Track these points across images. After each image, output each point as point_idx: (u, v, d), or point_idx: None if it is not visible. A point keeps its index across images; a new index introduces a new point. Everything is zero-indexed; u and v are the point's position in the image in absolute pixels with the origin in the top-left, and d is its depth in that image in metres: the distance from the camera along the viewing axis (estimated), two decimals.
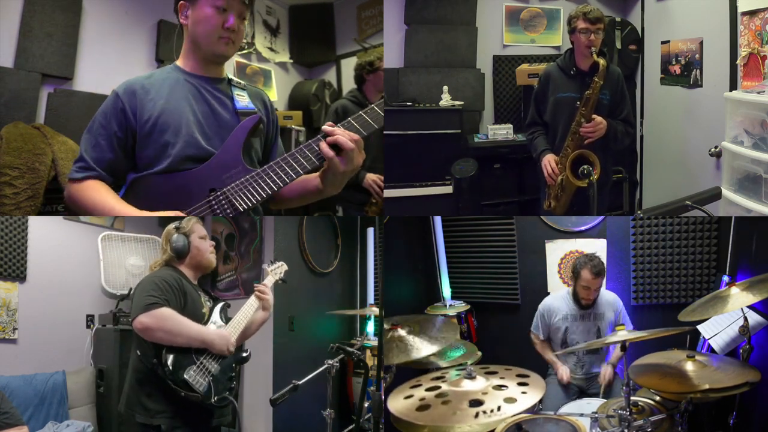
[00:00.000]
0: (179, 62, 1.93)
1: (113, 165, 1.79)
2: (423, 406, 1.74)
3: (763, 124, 2.59)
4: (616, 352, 2.85)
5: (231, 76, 1.98)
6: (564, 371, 2.86)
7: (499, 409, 1.68)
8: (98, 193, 1.75)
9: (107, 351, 3.22)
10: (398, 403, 1.79)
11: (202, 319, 2.13)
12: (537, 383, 1.86)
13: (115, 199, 1.75)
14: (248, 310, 2.28)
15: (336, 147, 1.71)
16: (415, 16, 4.00)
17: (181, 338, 1.96)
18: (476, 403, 1.72)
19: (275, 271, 2.53)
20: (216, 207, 1.73)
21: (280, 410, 3.16)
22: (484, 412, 1.66)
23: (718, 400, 2.13)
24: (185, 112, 1.80)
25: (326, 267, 3.84)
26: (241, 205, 1.72)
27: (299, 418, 3.19)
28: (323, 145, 1.72)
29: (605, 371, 2.81)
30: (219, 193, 1.74)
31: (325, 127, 1.74)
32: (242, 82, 2.00)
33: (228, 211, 1.73)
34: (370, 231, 4.00)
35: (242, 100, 1.92)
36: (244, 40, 4.73)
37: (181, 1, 1.86)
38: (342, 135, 1.69)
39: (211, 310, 2.20)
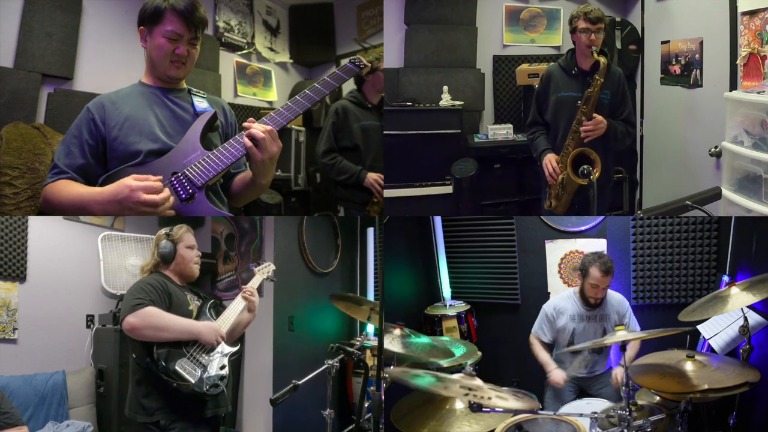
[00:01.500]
0: (143, 79, 2.13)
1: (85, 169, 1.94)
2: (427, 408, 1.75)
3: (763, 124, 2.59)
4: (628, 355, 2.78)
5: (190, 87, 2.18)
6: (558, 374, 2.79)
7: (489, 399, 1.71)
8: (67, 187, 1.89)
9: (107, 351, 3.22)
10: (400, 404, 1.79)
11: (190, 317, 2.21)
12: (529, 402, 1.89)
13: (82, 187, 1.89)
14: (236, 306, 2.34)
15: (254, 138, 1.88)
16: (415, 16, 4.00)
17: (168, 333, 2.06)
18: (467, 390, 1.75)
19: (262, 271, 2.57)
20: (176, 184, 1.87)
21: (280, 410, 3.17)
22: (475, 395, 1.74)
23: (718, 400, 2.13)
24: (148, 115, 2.00)
25: (326, 267, 3.84)
26: (197, 178, 1.86)
27: (299, 418, 3.19)
28: (245, 139, 1.89)
29: (617, 373, 2.72)
30: (179, 173, 1.89)
31: (246, 123, 1.91)
32: (201, 91, 2.20)
33: (187, 187, 1.86)
34: (370, 231, 4.00)
35: (201, 104, 2.11)
36: (244, 40, 4.73)
37: (141, 27, 2.06)
38: (256, 128, 1.88)
39: (200, 308, 2.28)
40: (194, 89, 2.18)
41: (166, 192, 1.77)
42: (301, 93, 2.03)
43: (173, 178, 1.88)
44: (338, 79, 2.11)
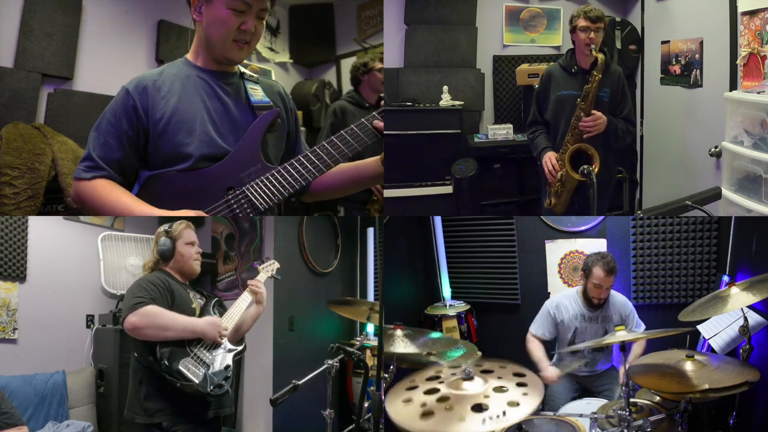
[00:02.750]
0: (190, 56, 1.85)
1: (123, 164, 1.74)
2: (426, 413, 1.71)
3: (763, 124, 2.59)
4: (634, 351, 2.77)
5: (243, 70, 1.91)
6: (551, 371, 2.75)
7: (504, 414, 1.66)
8: (111, 191, 1.70)
9: (107, 351, 3.22)
10: (398, 410, 1.74)
11: (193, 315, 2.16)
12: (535, 383, 1.85)
13: (131, 197, 1.71)
14: (242, 303, 2.31)
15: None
16: (415, 16, 4.00)
17: (170, 332, 1.99)
18: (479, 407, 1.71)
19: (267, 269, 2.55)
20: (235, 206, 1.69)
21: (280, 410, 3.16)
22: (491, 417, 1.62)
23: (718, 400, 2.13)
24: (199, 109, 1.75)
25: (326, 267, 3.84)
26: (261, 204, 1.68)
27: (299, 418, 3.19)
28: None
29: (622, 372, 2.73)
30: (238, 191, 1.70)
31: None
32: (255, 75, 1.94)
33: (248, 209, 1.68)
34: (370, 231, 4.00)
35: (256, 94, 1.86)
36: None
37: None
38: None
39: (203, 307, 2.24)
40: (247, 72, 1.90)
41: None
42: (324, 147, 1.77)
43: (230, 197, 1.69)
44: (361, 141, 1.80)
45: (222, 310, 2.30)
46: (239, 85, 1.86)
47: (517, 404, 1.71)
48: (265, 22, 1.80)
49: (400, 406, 1.75)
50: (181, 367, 1.98)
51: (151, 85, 1.74)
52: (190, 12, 1.80)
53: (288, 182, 1.69)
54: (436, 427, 1.64)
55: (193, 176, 1.69)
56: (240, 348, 2.26)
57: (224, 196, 1.70)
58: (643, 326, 2.88)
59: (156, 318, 1.98)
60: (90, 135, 1.75)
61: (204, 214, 1.71)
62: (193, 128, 1.72)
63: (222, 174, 1.70)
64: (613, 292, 2.88)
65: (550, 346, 3.02)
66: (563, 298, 2.95)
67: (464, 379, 1.83)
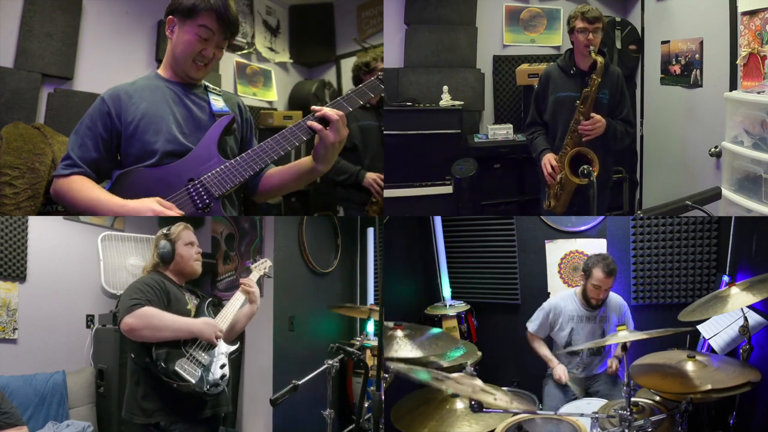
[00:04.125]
0: (160, 71, 2.08)
1: (98, 163, 1.93)
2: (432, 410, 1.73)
3: (763, 124, 2.59)
4: (618, 351, 2.83)
5: (207, 83, 2.14)
6: (561, 370, 2.83)
7: (495, 399, 1.70)
8: (83, 186, 1.88)
9: (107, 351, 3.22)
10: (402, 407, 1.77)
11: (188, 315, 2.20)
12: (524, 403, 1.89)
13: (102, 191, 1.88)
14: (235, 303, 2.34)
15: (323, 121, 1.92)
16: (415, 16, 4.00)
17: (166, 332, 2.04)
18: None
19: (259, 268, 2.58)
20: (193, 193, 1.88)
21: (280, 410, 3.16)
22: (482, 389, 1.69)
23: (718, 400, 2.13)
24: (165, 113, 1.96)
25: (326, 267, 3.83)
26: (216, 190, 1.89)
27: (299, 418, 3.19)
28: (311, 122, 1.92)
29: (612, 363, 2.82)
30: (196, 181, 1.90)
31: (313, 107, 1.94)
32: (217, 88, 2.16)
33: (204, 197, 1.88)
34: (370, 231, 4.00)
35: (217, 103, 2.08)
36: (244, 40, 4.73)
37: (170, 17, 1.99)
38: (328, 109, 1.93)
39: (198, 307, 2.27)
40: (210, 86, 2.15)
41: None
42: (356, 90, 2.05)
43: (190, 186, 1.89)
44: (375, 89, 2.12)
45: (216, 309, 2.31)
46: (203, 96, 2.09)
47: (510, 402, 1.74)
48: (223, 51, 2.05)
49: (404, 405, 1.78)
50: (177, 368, 2.01)
51: (123, 93, 1.97)
52: (164, 29, 2.05)
53: (239, 171, 1.91)
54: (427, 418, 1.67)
55: (159, 171, 1.90)
56: (235, 347, 2.28)
57: (185, 186, 1.90)
58: (632, 327, 2.90)
59: (152, 319, 2.03)
60: (70, 137, 1.96)
61: (161, 200, 1.84)
62: (159, 128, 1.93)
63: (184, 168, 1.91)
64: (610, 292, 2.90)
65: (550, 344, 3.03)
66: (560, 299, 2.96)
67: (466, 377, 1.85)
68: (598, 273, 2.74)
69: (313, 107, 1.94)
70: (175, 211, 1.83)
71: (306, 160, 2.08)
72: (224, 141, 2.03)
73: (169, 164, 1.91)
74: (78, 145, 1.92)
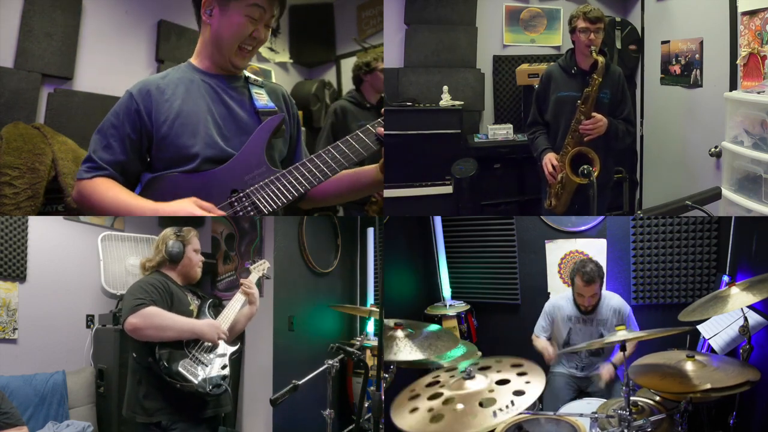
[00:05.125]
0: (194, 60, 1.86)
1: (124, 166, 1.75)
2: (435, 417, 1.70)
3: (763, 124, 2.59)
4: (619, 355, 2.80)
5: (248, 74, 1.92)
6: (543, 345, 2.88)
7: (513, 403, 1.67)
8: (111, 189, 1.70)
9: (107, 351, 3.22)
10: (407, 420, 1.73)
11: (190, 316, 2.20)
12: (534, 370, 1.85)
13: (130, 194, 1.71)
14: (235, 304, 2.34)
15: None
16: (415, 16, 4.00)
17: (170, 332, 2.03)
18: (487, 402, 1.71)
19: (258, 269, 2.58)
20: (238, 208, 1.69)
21: (280, 410, 3.16)
22: (500, 409, 1.64)
23: (718, 400, 2.13)
24: (202, 113, 1.75)
25: (326, 267, 3.83)
26: (265, 206, 1.67)
27: (299, 418, 3.19)
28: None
29: (605, 369, 2.78)
30: (242, 194, 1.69)
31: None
32: (259, 79, 1.95)
33: (251, 212, 1.68)
34: (370, 231, 4.00)
35: (261, 98, 1.87)
36: None
37: None
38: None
39: (199, 308, 2.27)
40: (252, 77, 1.90)
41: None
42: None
43: (234, 199, 1.69)
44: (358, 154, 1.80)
45: (217, 310, 2.32)
46: (244, 90, 1.87)
47: (523, 393, 1.71)
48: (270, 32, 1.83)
49: (407, 417, 1.74)
50: (180, 368, 2.02)
51: (154, 89, 1.75)
52: (198, 13, 1.79)
53: (294, 186, 1.69)
54: (449, 428, 1.64)
55: (197, 177, 1.69)
56: (236, 348, 2.29)
57: (228, 198, 1.69)
58: (637, 329, 2.89)
59: (156, 319, 2.01)
60: (92, 137, 1.76)
61: (198, 200, 1.66)
62: (196, 131, 1.72)
63: (226, 176, 1.69)
64: (609, 294, 2.90)
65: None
66: (560, 300, 2.98)
67: (465, 379, 1.84)
68: (578, 281, 2.76)
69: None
70: (216, 212, 1.63)
71: (371, 169, 1.88)
72: (272, 145, 1.80)
73: (209, 171, 1.70)
74: (102, 146, 1.72)
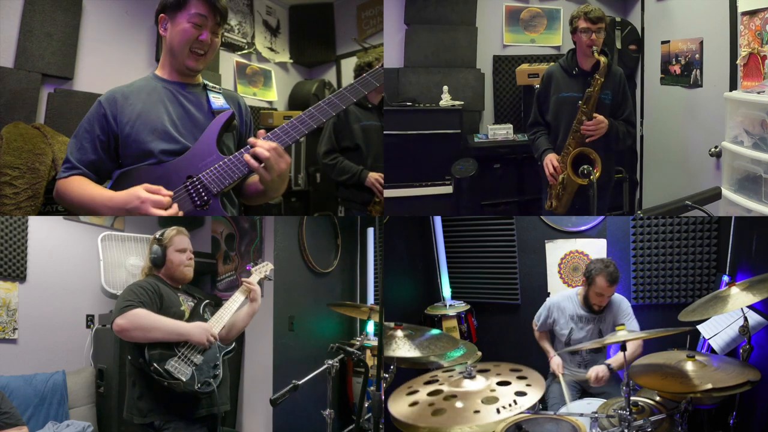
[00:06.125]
0: (158, 71, 2.08)
1: (96, 165, 1.96)
2: (437, 411, 1.71)
3: (763, 124, 2.59)
4: (617, 357, 2.74)
5: (206, 82, 2.13)
6: (556, 363, 2.83)
7: (515, 402, 1.67)
8: (81, 185, 1.91)
9: (107, 351, 3.23)
10: (406, 412, 1.73)
11: (182, 317, 2.23)
12: (533, 375, 1.86)
13: (96, 187, 1.91)
14: (232, 304, 2.36)
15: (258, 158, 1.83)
16: (415, 16, 4.00)
17: (156, 333, 2.08)
18: (489, 400, 1.72)
19: (260, 270, 2.59)
20: (192, 191, 1.87)
21: (280, 410, 3.16)
22: (504, 407, 1.66)
23: (718, 400, 2.13)
24: (161, 113, 1.96)
25: (326, 267, 3.83)
26: (214, 187, 1.86)
27: (299, 418, 3.19)
28: (247, 157, 1.84)
29: (593, 371, 2.66)
30: (194, 178, 1.88)
31: (250, 140, 1.87)
32: (217, 86, 2.14)
33: (203, 194, 1.86)
34: (370, 231, 4.00)
35: (217, 101, 2.07)
36: (244, 40, 4.73)
37: (162, 14, 2.00)
38: (260, 146, 1.83)
39: (193, 309, 2.29)
40: (210, 84, 2.13)
41: (175, 207, 1.80)
42: (315, 105, 1.95)
43: (188, 183, 1.87)
44: (356, 92, 1.99)
45: (214, 311, 2.33)
46: (201, 94, 2.08)
47: (524, 393, 1.72)
48: (219, 39, 2.05)
49: (407, 409, 1.75)
50: (168, 367, 2.05)
51: (120, 96, 1.99)
52: (157, 29, 2.04)
53: (237, 167, 1.87)
54: (451, 422, 1.66)
55: (158, 169, 1.90)
56: (229, 348, 2.31)
57: (183, 184, 1.88)
58: (637, 327, 2.88)
59: (141, 320, 2.06)
60: (69, 142, 2.00)
61: (149, 186, 1.81)
62: (155, 128, 1.94)
63: (183, 165, 1.91)
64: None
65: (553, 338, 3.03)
66: (562, 299, 2.96)
67: (466, 378, 1.84)
68: (601, 281, 2.70)
69: (250, 140, 1.85)
70: (163, 194, 1.78)
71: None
72: (223, 138, 2.00)
73: (168, 162, 1.91)
74: (77, 148, 1.95)
